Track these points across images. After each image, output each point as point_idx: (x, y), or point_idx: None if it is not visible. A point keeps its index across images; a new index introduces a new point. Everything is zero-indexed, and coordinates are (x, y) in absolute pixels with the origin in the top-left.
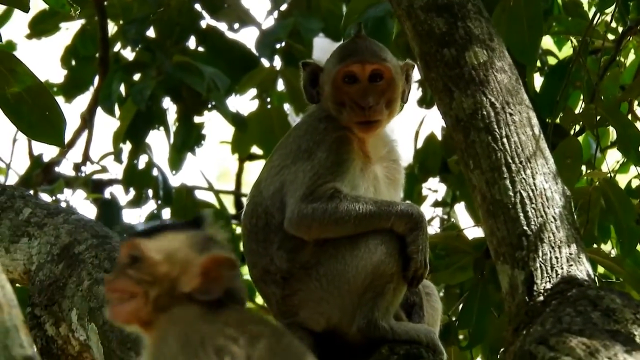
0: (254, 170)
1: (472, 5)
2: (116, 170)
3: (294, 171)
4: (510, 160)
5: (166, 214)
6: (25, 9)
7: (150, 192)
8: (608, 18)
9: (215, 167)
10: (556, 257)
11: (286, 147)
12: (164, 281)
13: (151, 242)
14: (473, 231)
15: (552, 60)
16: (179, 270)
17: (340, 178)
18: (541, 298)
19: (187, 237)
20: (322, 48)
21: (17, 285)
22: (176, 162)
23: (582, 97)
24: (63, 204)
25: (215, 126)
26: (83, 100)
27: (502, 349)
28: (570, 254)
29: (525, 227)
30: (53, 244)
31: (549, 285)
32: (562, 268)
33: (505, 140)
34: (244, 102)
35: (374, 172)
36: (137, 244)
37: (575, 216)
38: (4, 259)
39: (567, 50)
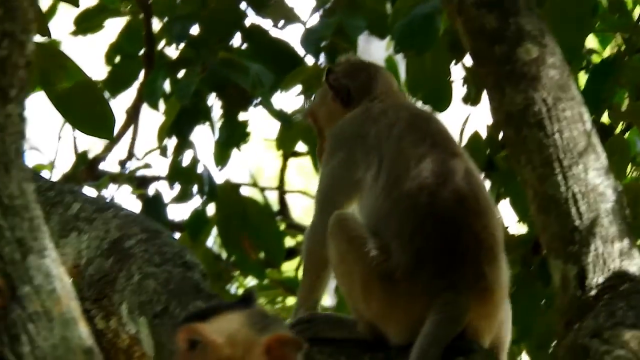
0: (295, 167)
1: (523, 2)
2: (161, 166)
3: None
4: (562, 156)
5: (211, 209)
6: (76, 3)
7: (195, 188)
8: None
9: (250, 165)
10: (608, 252)
11: None
12: None
13: (210, 325)
14: (518, 228)
15: (596, 59)
16: (241, 352)
17: None
18: (593, 292)
19: (245, 316)
20: (360, 47)
21: None
22: (221, 158)
23: (627, 95)
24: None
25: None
26: (127, 97)
27: (552, 344)
28: (622, 248)
29: (577, 223)
30: (103, 239)
31: (601, 280)
32: (614, 262)
33: (557, 135)
34: (289, 100)
35: None
36: (196, 328)
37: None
38: None
39: (609, 49)
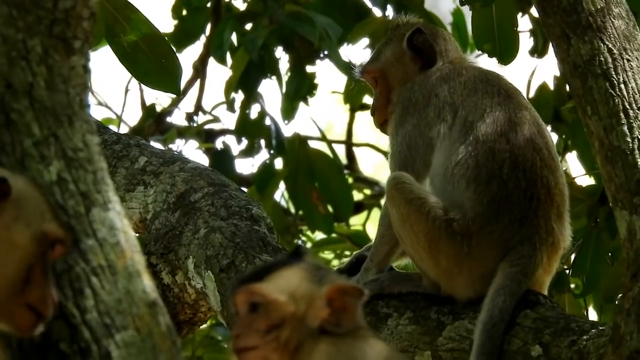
0: (363, 119)
1: None
2: (228, 120)
3: None
4: (627, 106)
5: (279, 163)
6: None
7: (262, 141)
8: None
9: (322, 119)
10: None
11: None
12: (292, 321)
13: (269, 285)
14: (585, 180)
15: None
16: (304, 306)
17: None
18: None
19: (301, 270)
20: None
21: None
22: (289, 111)
23: None
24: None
25: (322, 77)
26: (194, 50)
27: (618, 295)
28: None
29: None
30: (169, 192)
31: None
32: None
33: (622, 86)
34: (356, 52)
35: None
36: (255, 289)
37: None
38: None
39: None
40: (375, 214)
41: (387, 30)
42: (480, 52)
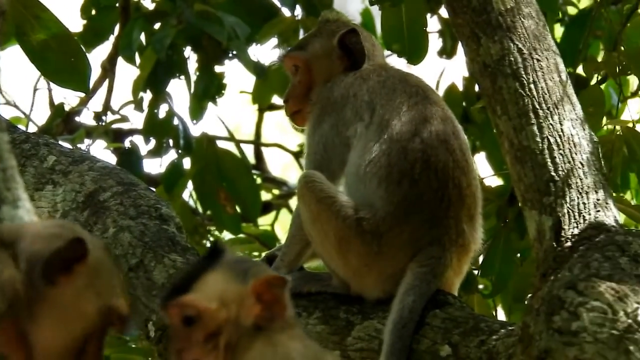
0: (271, 120)
1: None
2: (136, 120)
3: None
4: (537, 106)
5: (186, 163)
6: None
7: (170, 141)
8: None
9: (230, 119)
10: (584, 203)
11: None
12: (228, 326)
13: (197, 294)
14: (494, 181)
15: (571, 11)
16: (236, 307)
17: None
18: (569, 244)
19: (224, 271)
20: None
21: None
22: (197, 111)
23: (602, 46)
24: None
25: (230, 77)
26: (103, 50)
27: (528, 295)
28: (598, 199)
29: (552, 173)
30: (78, 192)
31: (576, 231)
32: (589, 214)
33: (532, 86)
34: (265, 52)
35: None
36: (186, 302)
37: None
38: None
39: (585, 1)
40: (284, 214)
41: (318, 23)
42: (389, 52)
